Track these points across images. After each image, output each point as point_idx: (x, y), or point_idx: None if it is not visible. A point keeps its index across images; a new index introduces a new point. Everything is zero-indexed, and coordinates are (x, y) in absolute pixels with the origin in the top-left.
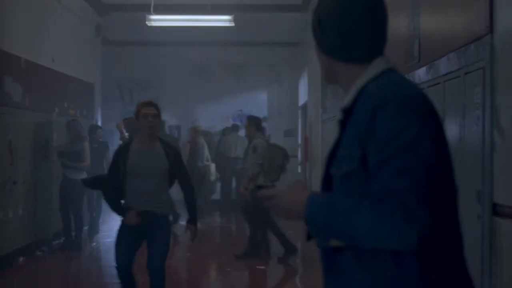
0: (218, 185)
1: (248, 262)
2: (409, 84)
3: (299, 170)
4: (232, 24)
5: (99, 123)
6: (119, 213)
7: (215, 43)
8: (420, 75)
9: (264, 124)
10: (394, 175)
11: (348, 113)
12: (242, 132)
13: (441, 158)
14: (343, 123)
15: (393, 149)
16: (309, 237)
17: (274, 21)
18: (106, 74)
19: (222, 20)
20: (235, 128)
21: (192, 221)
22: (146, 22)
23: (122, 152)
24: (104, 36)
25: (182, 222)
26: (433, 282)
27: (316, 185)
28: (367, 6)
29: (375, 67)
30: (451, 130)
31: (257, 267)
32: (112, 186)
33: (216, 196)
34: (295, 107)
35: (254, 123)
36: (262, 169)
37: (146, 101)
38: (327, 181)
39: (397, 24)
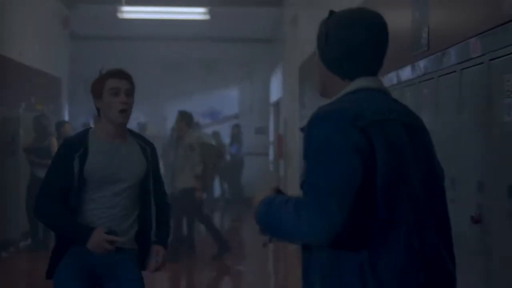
0: None
1: (223, 263)
2: (357, 102)
3: (271, 168)
4: (208, 17)
5: (66, 119)
6: (82, 236)
7: (186, 38)
8: (429, 64)
9: (235, 121)
10: (317, 176)
11: None
12: (208, 130)
13: (373, 170)
14: None
15: (319, 160)
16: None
17: (246, 17)
18: (74, 69)
19: (197, 13)
20: (196, 125)
21: (162, 240)
22: (118, 14)
23: (76, 148)
24: (72, 29)
25: None
26: None
27: (292, 182)
28: (371, 27)
29: (350, 86)
30: (469, 121)
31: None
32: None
33: None
34: (266, 104)
35: (185, 119)
36: (205, 167)
37: (115, 70)
38: None
39: (398, 12)
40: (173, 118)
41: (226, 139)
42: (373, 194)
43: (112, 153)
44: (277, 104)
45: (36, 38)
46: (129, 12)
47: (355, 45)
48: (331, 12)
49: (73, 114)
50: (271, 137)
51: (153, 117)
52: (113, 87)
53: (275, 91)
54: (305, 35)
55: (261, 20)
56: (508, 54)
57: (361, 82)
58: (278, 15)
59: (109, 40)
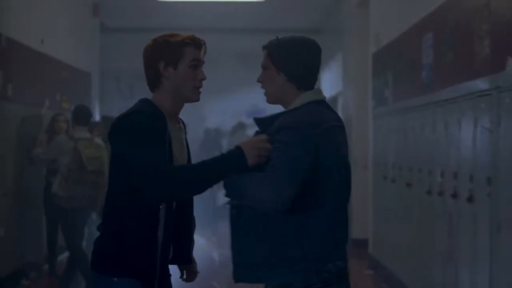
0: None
1: None
2: (311, 114)
3: None
4: None
5: (97, 119)
6: (237, 159)
7: (228, 30)
8: None
9: None
10: (280, 161)
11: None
12: (251, 131)
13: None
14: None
15: (284, 152)
16: None
17: (293, 6)
18: (104, 63)
19: None
20: (241, 126)
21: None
22: None
23: (165, 127)
24: (103, 20)
25: None
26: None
27: (362, 192)
28: (318, 51)
29: (304, 99)
30: None
31: None
32: None
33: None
34: None
35: (73, 114)
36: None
37: (195, 36)
38: None
39: None
40: (213, 117)
41: None
42: (315, 178)
43: (181, 139)
44: (335, 100)
45: (62, 25)
46: None
47: (314, 64)
48: (277, 38)
49: (104, 113)
50: None
51: (191, 116)
52: (196, 59)
53: (329, 86)
54: (377, 19)
55: (307, 9)
56: None
57: (312, 95)
58: (328, 2)
59: (143, 32)
